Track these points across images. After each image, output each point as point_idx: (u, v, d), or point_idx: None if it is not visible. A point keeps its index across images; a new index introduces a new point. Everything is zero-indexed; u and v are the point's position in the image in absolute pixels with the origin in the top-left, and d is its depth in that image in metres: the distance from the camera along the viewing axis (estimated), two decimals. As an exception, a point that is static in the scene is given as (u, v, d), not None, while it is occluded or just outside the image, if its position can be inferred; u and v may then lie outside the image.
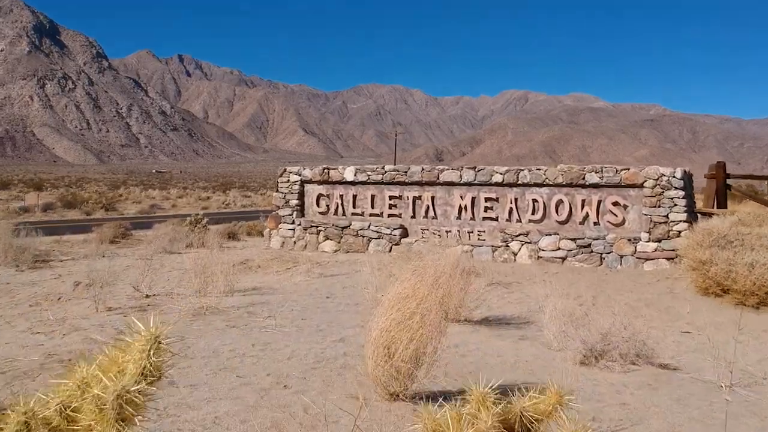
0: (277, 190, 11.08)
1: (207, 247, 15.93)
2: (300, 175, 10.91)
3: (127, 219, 27.64)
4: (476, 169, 9.67)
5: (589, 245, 8.79)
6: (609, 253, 8.72)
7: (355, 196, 10.61)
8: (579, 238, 8.83)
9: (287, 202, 10.99)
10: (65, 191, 62.50)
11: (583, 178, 9.02)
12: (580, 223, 9.13)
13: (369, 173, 10.38)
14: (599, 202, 9.01)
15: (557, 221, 9.26)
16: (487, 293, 7.60)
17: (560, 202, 9.24)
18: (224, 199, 55.57)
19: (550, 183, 9.21)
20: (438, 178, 9.90)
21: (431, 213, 10.00)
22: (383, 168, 10.28)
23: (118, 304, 6.86)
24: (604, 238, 8.71)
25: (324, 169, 10.72)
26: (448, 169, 9.85)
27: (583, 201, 9.08)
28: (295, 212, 10.91)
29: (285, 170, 11.06)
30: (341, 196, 10.68)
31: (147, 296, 7.38)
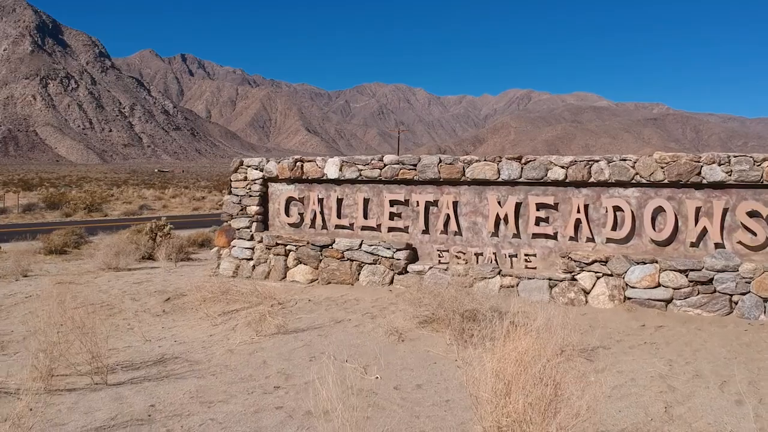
0: (230, 192, 7.74)
1: (158, 261, 12.78)
2: (262, 171, 7.56)
3: (100, 222, 25.34)
4: (523, 161, 6.30)
5: (711, 281, 5.43)
6: (744, 294, 5.36)
7: (340, 201, 7.26)
8: (693, 269, 5.47)
9: (243, 209, 7.64)
10: (55, 191, 59.57)
11: (699, 173, 5.65)
12: (693, 245, 5.76)
13: (360, 167, 7.03)
14: (725, 212, 5.64)
15: (654, 241, 5.89)
16: (561, 373, 4.27)
17: (659, 210, 5.87)
18: (219, 199, 52.47)
19: (644, 181, 5.84)
20: (464, 175, 6.54)
21: (453, 226, 6.65)
22: (381, 160, 6.93)
23: None
24: (736, 270, 5.35)
25: (296, 161, 7.36)
26: (478, 161, 6.49)
27: (698, 210, 5.72)
28: (254, 224, 7.57)
29: (241, 163, 7.71)
30: (321, 201, 7.34)
31: None
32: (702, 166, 5.66)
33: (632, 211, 5.95)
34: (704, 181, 5.65)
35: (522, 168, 6.31)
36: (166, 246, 13.38)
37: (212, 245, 11.70)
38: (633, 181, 5.90)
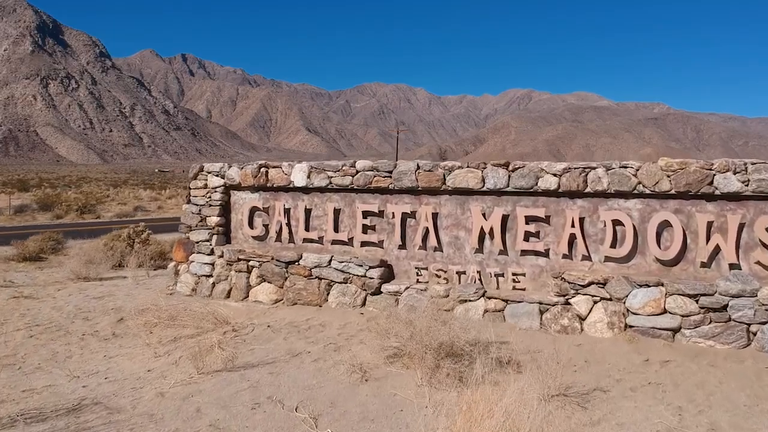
0: (189, 201, 7.01)
1: (131, 269, 12.10)
2: (224, 177, 6.82)
3: (89, 225, 24.96)
4: (510, 168, 5.56)
5: (725, 307, 4.69)
6: (764, 323, 4.61)
7: (309, 212, 6.52)
8: (704, 294, 4.73)
9: (203, 220, 6.90)
10: (50, 192, 59.05)
11: (711, 183, 4.90)
12: (704, 265, 5.02)
13: (330, 174, 6.28)
14: (741, 228, 4.90)
15: (660, 260, 5.15)
16: (549, 424, 3.53)
17: (665, 225, 5.12)
18: (216, 200, 51.69)
19: (647, 191, 5.10)
20: (444, 183, 5.80)
21: (432, 241, 5.91)
22: (353, 166, 6.18)
23: None
24: (754, 295, 4.61)
25: (260, 167, 6.62)
26: (460, 167, 5.75)
27: (710, 225, 4.97)
28: (215, 236, 6.83)
29: (201, 169, 6.97)
30: (287, 212, 6.60)
31: None
32: (714, 175, 4.91)
33: (634, 226, 5.20)
34: (717, 192, 4.91)
35: (509, 176, 5.56)
36: (138, 255, 12.67)
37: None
38: (635, 192, 5.15)
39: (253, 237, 6.74)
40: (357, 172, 6.17)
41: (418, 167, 5.92)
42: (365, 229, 6.21)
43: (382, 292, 5.90)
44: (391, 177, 6.01)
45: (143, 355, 5.23)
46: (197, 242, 6.87)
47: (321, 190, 6.40)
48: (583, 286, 5.16)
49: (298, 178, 6.41)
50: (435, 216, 5.93)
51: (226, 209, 6.90)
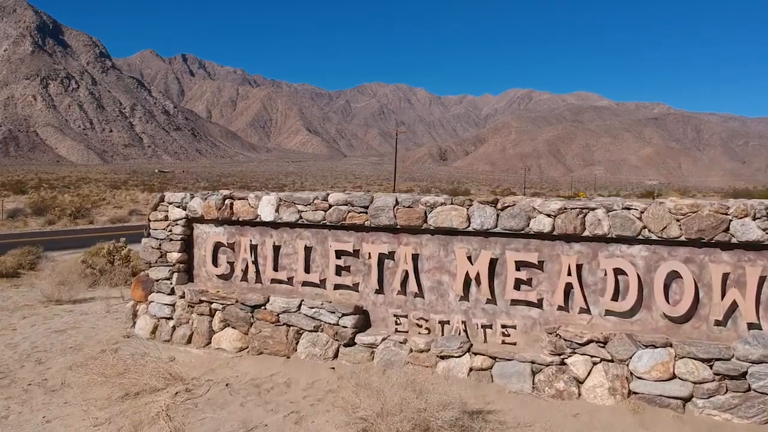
0: (148, 234, 6.38)
1: (106, 290, 11.55)
2: (185, 209, 6.19)
3: (79, 233, 23.61)
4: (499, 206, 4.93)
5: (743, 375, 4.07)
6: (790, 393, 3.99)
7: (277, 249, 5.89)
8: (719, 359, 4.11)
9: (163, 255, 6.27)
10: (46, 194, 58.55)
11: (727, 229, 4.28)
12: (719, 324, 4.39)
13: (301, 208, 5.65)
14: (762, 281, 4.27)
15: (668, 316, 4.52)
16: None
17: (674, 276, 4.49)
18: (213, 203, 51.20)
19: (654, 237, 4.47)
20: (425, 221, 5.17)
21: (413, 285, 5.28)
22: (326, 200, 5.55)
23: None
24: (778, 361, 3.99)
25: (225, 198, 5.99)
26: (443, 204, 5.12)
27: (726, 277, 4.34)
28: (176, 274, 6.20)
29: (162, 199, 6.34)
30: (254, 248, 5.97)
31: None
32: (731, 220, 4.28)
33: (639, 276, 4.58)
34: (734, 240, 4.28)
35: (497, 215, 4.93)
36: (114, 276, 12.06)
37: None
38: (640, 237, 4.52)
39: (217, 275, 6.12)
40: (330, 206, 5.54)
41: (397, 203, 5.29)
42: (339, 270, 5.58)
43: (356, 343, 5.27)
44: (366, 213, 5.38)
45: (83, 422, 4.61)
46: (157, 280, 6.24)
47: (291, 225, 5.78)
48: (581, 345, 4.54)
49: (266, 211, 5.79)
50: (415, 257, 5.30)
51: (188, 244, 6.27)
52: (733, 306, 4.33)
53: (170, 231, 6.22)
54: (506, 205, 4.92)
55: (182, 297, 6.07)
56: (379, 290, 5.43)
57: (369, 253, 5.44)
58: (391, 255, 5.39)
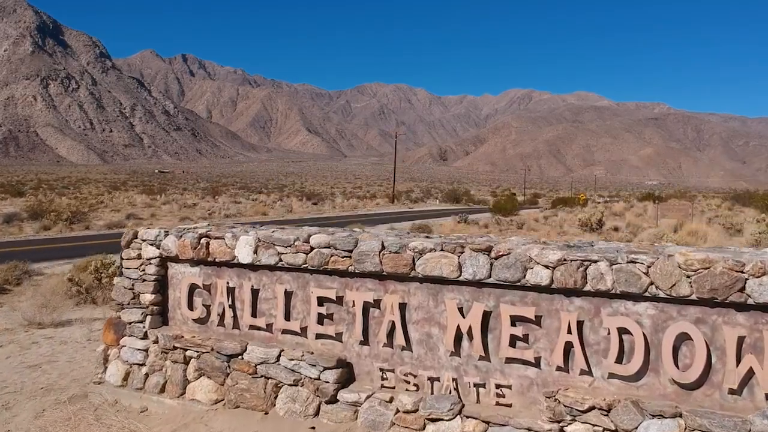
0: (121, 273, 5.99)
1: (97, 308, 11.20)
2: (159, 247, 5.80)
3: (74, 241, 23.15)
4: (493, 254, 4.53)
5: (761, 451, 3.67)
6: (814, 475, 3.59)
7: (256, 293, 5.50)
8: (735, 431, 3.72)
9: (136, 297, 5.88)
10: (44, 198, 58.25)
11: (742, 289, 3.88)
12: (733, 392, 3.99)
13: (281, 251, 5.26)
14: (782, 347, 3.87)
15: (677, 382, 4.12)
16: None
17: (684, 338, 4.09)
18: (211, 206, 50.90)
19: (662, 294, 4.07)
20: (413, 268, 4.78)
21: (400, 338, 4.88)
22: (307, 241, 5.16)
23: None
24: (799, 437, 3.60)
25: (200, 238, 5.59)
26: (432, 250, 4.72)
27: (741, 341, 3.95)
28: (149, 317, 5.81)
29: (135, 235, 5.95)
30: (231, 291, 5.58)
31: None
32: (747, 279, 3.88)
33: (645, 336, 4.18)
34: (750, 301, 3.88)
35: (491, 264, 4.53)
36: (96, 300, 11.68)
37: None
38: (646, 294, 4.13)
39: (193, 319, 5.72)
40: (311, 249, 5.14)
41: (383, 247, 4.89)
42: (321, 318, 5.19)
43: (338, 400, 4.88)
44: (350, 257, 4.99)
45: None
46: (129, 323, 5.85)
47: (270, 268, 5.38)
48: (582, 412, 4.14)
49: (243, 253, 5.39)
50: (403, 307, 4.90)
51: (163, 285, 5.88)
52: (750, 373, 3.94)
53: (143, 271, 5.82)
54: (501, 253, 4.52)
55: (156, 342, 5.68)
56: (364, 341, 5.03)
57: (353, 301, 5.04)
58: (376, 303, 4.99)
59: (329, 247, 5.08)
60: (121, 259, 5.96)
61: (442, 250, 4.72)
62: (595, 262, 4.26)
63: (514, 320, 4.52)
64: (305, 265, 5.17)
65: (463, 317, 4.66)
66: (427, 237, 5.19)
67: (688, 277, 4.02)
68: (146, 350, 5.74)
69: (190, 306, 5.72)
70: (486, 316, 4.62)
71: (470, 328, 4.63)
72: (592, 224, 27.95)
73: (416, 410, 4.61)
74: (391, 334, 4.92)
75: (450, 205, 70.06)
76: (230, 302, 5.53)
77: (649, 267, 4.13)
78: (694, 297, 4.01)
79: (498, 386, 4.56)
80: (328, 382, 4.91)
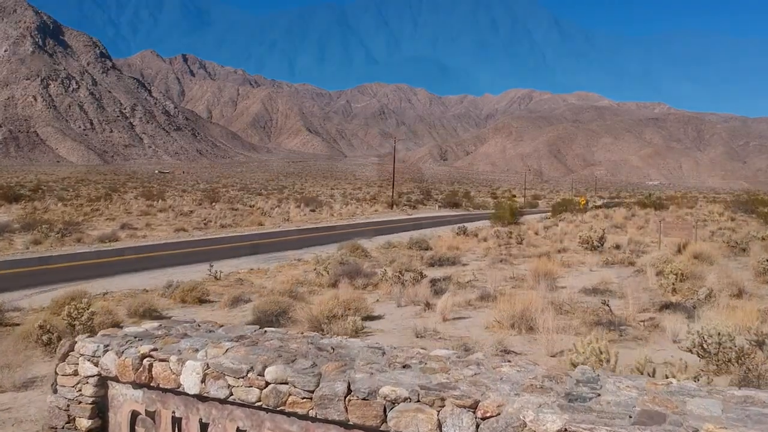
0: (55, 391, 5.20)
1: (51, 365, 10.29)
2: (98, 365, 5.00)
3: (60, 262, 21.50)
4: (479, 414, 3.71)
5: None
6: None
7: (205, 427, 4.70)
8: None
9: (71, 421, 5.10)
10: (39, 204, 57.55)
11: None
12: None
13: (232, 382, 4.46)
14: None
15: None
16: None
17: None
18: (208, 213, 50.15)
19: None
20: (385, 421, 3.98)
21: (369, 500, 4.08)
22: (262, 374, 4.36)
23: None
24: None
25: (143, 358, 4.80)
26: (408, 400, 3.92)
27: None
28: (85, 447, 5.02)
29: (72, 348, 5.16)
30: (177, 423, 4.78)
31: None
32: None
33: None
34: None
35: (477, 426, 3.73)
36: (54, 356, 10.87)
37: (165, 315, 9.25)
38: (667, 483, 3.32)
39: (135, 452, 4.93)
40: (266, 384, 4.35)
41: (349, 391, 4.09)
42: (278, 467, 4.39)
43: None
44: (311, 399, 4.19)
45: None
46: (63, 453, 5.06)
47: (221, 401, 4.59)
48: None
49: (189, 381, 4.59)
50: (374, 464, 4.10)
51: (102, 407, 5.08)
52: None
53: (80, 391, 5.03)
54: (488, 414, 3.72)
55: (91, 479, 4.89)
56: (328, 500, 4.24)
57: (315, 451, 4.24)
58: (342, 455, 4.20)
59: (287, 384, 4.28)
60: (56, 374, 5.16)
61: (418, 401, 3.92)
62: (604, 436, 3.45)
63: (505, 496, 3.71)
64: (259, 401, 4.37)
65: (444, 485, 3.85)
66: (405, 367, 4.40)
67: (720, 467, 3.22)
68: (81, 487, 4.95)
69: (132, 436, 4.93)
70: (471, 485, 3.81)
71: (452, 498, 3.82)
72: (593, 242, 27.15)
73: None
74: (359, 493, 4.12)
75: (449, 210, 69.31)
76: (175, 436, 4.73)
77: (669, 449, 3.32)
78: (727, 494, 3.21)
79: None
80: None
